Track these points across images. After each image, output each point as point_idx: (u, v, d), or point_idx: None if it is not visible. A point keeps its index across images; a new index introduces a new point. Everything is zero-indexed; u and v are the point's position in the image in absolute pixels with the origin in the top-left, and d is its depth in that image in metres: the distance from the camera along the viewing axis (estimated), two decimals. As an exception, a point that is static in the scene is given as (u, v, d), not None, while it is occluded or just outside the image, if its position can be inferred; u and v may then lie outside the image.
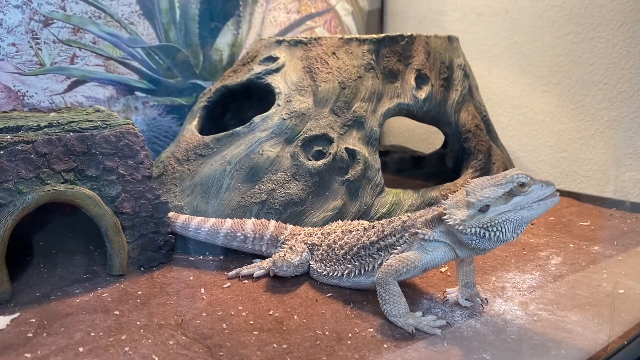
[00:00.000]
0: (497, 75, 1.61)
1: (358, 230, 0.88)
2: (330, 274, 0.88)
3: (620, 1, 1.32)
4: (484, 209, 0.74)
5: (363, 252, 0.84)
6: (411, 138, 1.89)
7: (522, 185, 0.73)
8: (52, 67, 1.27)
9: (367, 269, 0.84)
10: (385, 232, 0.83)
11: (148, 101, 1.43)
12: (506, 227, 0.73)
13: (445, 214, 0.77)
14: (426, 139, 1.84)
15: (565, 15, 1.43)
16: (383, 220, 0.87)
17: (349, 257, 0.86)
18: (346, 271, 0.86)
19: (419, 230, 0.79)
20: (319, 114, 1.15)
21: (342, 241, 0.88)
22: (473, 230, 0.74)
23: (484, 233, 0.74)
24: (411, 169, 1.66)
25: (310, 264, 0.93)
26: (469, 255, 0.80)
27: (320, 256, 0.91)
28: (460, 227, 0.74)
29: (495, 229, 0.73)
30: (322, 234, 0.95)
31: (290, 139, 1.12)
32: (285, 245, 0.95)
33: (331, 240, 0.91)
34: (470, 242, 0.75)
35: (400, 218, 0.84)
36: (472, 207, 0.74)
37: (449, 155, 1.34)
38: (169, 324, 0.76)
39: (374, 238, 0.84)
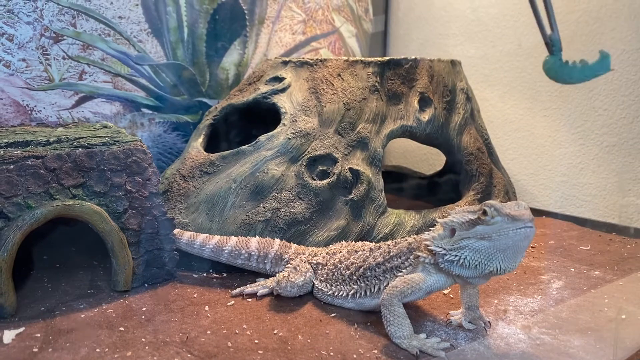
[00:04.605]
0: (499, 99, 1.63)
1: (364, 250, 0.89)
2: (335, 293, 0.89)
3: (621, 29, 1.35)
4: (452, 232, 0.75)
5: (369, 273, 0.85)
6: (412, 159, 1.90)
7: (484, 213, 0.72)
8: (60, 82, 1.28)
9: (372, 290, 0.84)
10: (391, 254, 0.84)
11: (154, 118, 1.44)
12: (467, 254, 0.73)
13: (427, 234, 0.79)
14: (427, 160, 1.85)
15: (566, 42, 1.46)
16: (389, 241, 0.88)
17: (354, 277, 0.87)
18: (351, 292, 0.86)
19: (420, 253, 0.80)
20: (323, 134, 1.16)
21: (348, 261, 0.89)
22: (438, 250, 0.76)
23: (445, 254, 0.75)
24: (413, 190, 1.67)
25: (314, 283, 0.93)
26: (464, 282, 0.79)
27: (325, 276, 0.92)
28: (428, 243, 0.77)
29: (455, 253, 0.74)
30: (327, 253, 0.95)
31: (295, 158, 1.13)
32: (289, 265, 0.96)
33: (337, 260, 0.91)
34: (440, 264, 0.76)
35: (406, 239, 0.84)
36: (442, 228, 0.77)
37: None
38: (174, 341, 0.77)
39: (380, 259, 0.84)
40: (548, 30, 1.09)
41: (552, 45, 1.06)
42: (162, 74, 1.44)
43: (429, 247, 0.77)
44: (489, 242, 0.71)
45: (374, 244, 0.91)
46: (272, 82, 1.27)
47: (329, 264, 0.92)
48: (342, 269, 0.89)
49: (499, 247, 0.71)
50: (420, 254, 0.80)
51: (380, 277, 0.84)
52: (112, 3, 1.33)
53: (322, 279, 0.92)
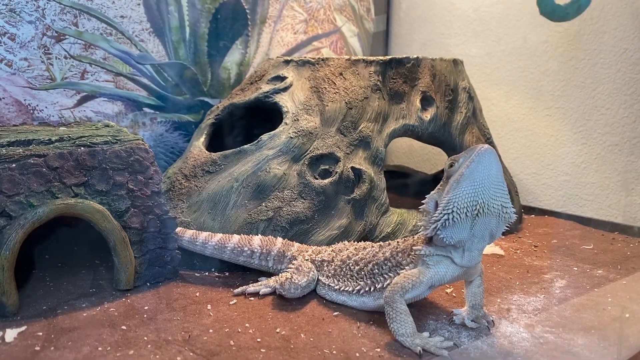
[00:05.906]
0: (501, 98, 1.63)
1: (373, 247, 0.89)
2: (342, 288, 0.89)
3: (624, 29, 1.35)
4: (437, 205, 0.77)
5: (376, 270, 0.85)
6: (414, 158, 1.90)
7: (451, 165, 0.76)
8: (62, 82, 1.28)
9: (376, 287, 0.84)
10: (398, 249, 0.84)
11: (156, 117, 1.44)
12: (455, 203, 0.74)
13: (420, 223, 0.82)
14: (429, 159, 1.85)
15: (568, 41, 1.46)
16: (399, 239, 0.88)
17: (362, 273, 0.87)
18: (357, 287, 0.87)
19: (416, 247, 0.81)
20: (325, 133, 1.16)
21: (357, 257, 0.89)
22: (431, 224, 0.76)
23: (438, 220, 0.75)
24: (415, 189, 1.67)
25: (320, 279, 0.93)
26: (469, 261, 0.78)
27: (332, 271, 0.92)
28: (421, 223, 0.80)
29: (445, 211, 0.74)
30: (332, 250, 0.95)
31: (297, 158, 1.13)
32: (291, 266, 0.95)
33: (345, 256, 0.91)
34: (439, 235, 0.76)
35: (412, 237, 0.85)
36: (426, 210, 0.79)
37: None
38: (177, 340, 0.76)
39: (388, 254, 0.85)
40: None
41: None
42: (164, 74, 1.44)
43: (425, 228, 0.78)
44: (464, 180, 0.73)
45: (380, 243, 0.91)
46: (273, 81, 1.27)
47: (336, 260, 0.92)
48: (350, 264, 0.89)
49: (473, 176, 0.73)
50: (416, 247, 0.80)
51: (385, 275, 0.84)
52: (114, 2, 1.33)
53: (330, 274, 0.92)
